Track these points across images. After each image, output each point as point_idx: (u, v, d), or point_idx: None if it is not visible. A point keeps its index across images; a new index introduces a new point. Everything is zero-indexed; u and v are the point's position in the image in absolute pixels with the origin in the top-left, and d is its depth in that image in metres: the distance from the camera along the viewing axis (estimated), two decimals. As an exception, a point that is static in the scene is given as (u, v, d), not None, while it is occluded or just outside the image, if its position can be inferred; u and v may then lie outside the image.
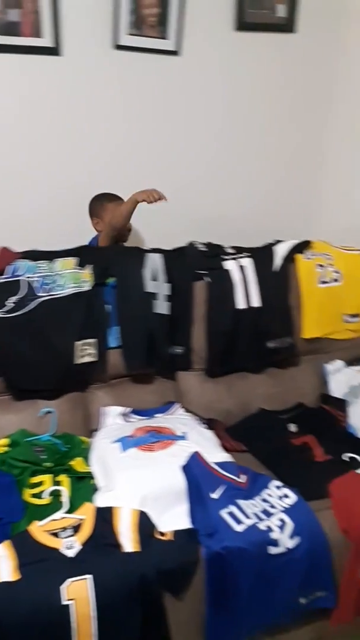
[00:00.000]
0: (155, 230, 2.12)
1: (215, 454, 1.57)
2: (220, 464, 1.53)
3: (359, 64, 2.32)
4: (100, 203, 1.97)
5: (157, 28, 2.06)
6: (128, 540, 1.30)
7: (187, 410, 1.82)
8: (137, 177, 2.19)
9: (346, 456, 1.69)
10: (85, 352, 1.73)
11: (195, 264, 1.89)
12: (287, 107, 2.33)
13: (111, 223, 1.87)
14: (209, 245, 1.97)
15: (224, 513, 1.40)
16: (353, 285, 2.02)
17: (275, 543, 1.36)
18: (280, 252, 1.96)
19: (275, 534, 1.37)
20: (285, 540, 1.37)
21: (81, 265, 1.79)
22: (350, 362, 2.06)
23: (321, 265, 1.98)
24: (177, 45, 2.11)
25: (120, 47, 2.03)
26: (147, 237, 2.00)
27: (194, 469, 1.47)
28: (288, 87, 2.31)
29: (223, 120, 2.26)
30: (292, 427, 1.86)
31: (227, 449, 1.71)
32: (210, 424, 1.79)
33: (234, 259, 1.90)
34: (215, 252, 1.93)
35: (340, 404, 1.92)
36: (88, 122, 2.09)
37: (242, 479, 1.52)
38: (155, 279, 1.79)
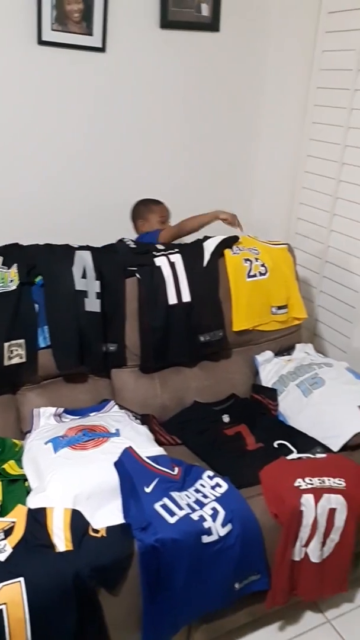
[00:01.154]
0: (85, 228, 2.12)
1: (148, 448, 1.58)
2: (153, 458, 1.55)
3: (281, 62, 2.39)
4: (147, 207, 2.18)
5: (82, 24, 2.04)
6: (61, 540, 1.30)
7: (122, 407, 1.83)
8: (63, 175, 2.18)
9: (276, 443, 1.75)
10: (14, 353, 1.70)
11: (126, 260, 1.89)
12: (214, 104, 2.38)
13: (185, 226, 2.05)
14: (138, 242, 1.98)
15: (157, 506, 1.42)
16: (279, 278, 2.08)
17: (208, 532, 1.40)
18: (209, 248, 1.99)
19: (207, 523, 1.40)
20: (217, 528, 1.41)
21: (6, 264, 1.75)
22: (279, 352, 2.14)
23: (248, 260, 2.03)
24: (103, 41, 2.10)
25: (44, 43, 2.00)
26: (76, 235, 1.98)
27: (127, 464, 1.48)
28: (214, 85, 2.35)
29: (149, 117, 2.28)
30: (225, 418, 1.90)
31: (161, 443, 1.73)
32: (145, 419, 1.81)
33: (164, 255, 1.92)
34: (145, 249, 1.94)
35: (271, 393, 1.98)
36: (13, 119, 2.04)
37: (175, 471, 1.55)
38: (84, 277, 1.78)
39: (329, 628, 1.71)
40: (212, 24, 2.29)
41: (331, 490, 1.53)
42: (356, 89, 2.12)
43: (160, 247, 1.96)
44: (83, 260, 1.79)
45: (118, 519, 1.39)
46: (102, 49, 2.11)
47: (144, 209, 2.19)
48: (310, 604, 1.75)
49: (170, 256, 1.92)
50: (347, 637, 1.67)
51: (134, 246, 1.96)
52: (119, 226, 2.17)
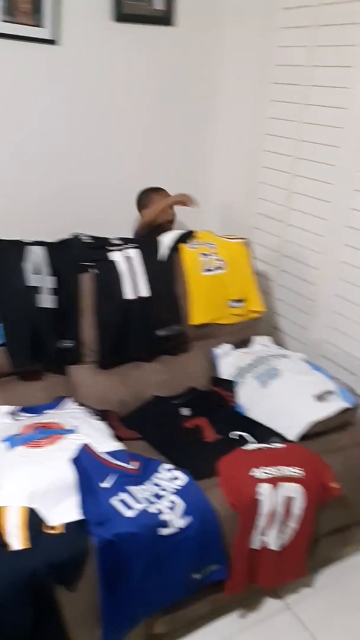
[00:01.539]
0: (38, 223, 2.10)
1: (105, 444, 1.58)
2: (110, 453, 1.54)
3: (236, 57, 2.41)
4: (147, 195, 2.17)
5: (32, 16, 2.01)
6: (16, 538, 1.28)
7: (80, 404, 1.81)
8: (10, 170, 2.14)
9: (234, 434, 1.77)
10: (-34, 351, 1.66)
11: (80, 255, 1.87)
12: (171, 97, 2.38)
13: (144, 216, 2.06)
14: (93, 237, 1.96)
15: (114, 501, 1.41)
16: (236, 272, 2.10)
17: (166, 524, 1.40)
18: (165, 242, 1.99)
19: (165, 516, 1.41)
20: (176, 520, 1.42)
21: None
22: (237, 345, 2.15)
23: (205, 254, 2.04)
24: (55, 34, 2.07)
25: (-9, 34, 1.96)
26: (31, 229, 1.95)
27: (84, 460, 1.47)
28: (168, 79, 2.35)
29: (106, 109, 2.26)
30: (185, 411, 1.91)
31: (121, 439, 1.73)
32: (104, 415, 1.80)
33: (120, 250, 1.91)
34: (100, 244, 1.92)
35: (229, 385, 2.00)
36: None
37: (133, 465, 1.55)
38: (38, 273, 1.75)
39: (289, 613, 1.74)
40: (166, 18, 2.29)
41: (288, 479, 1.56)
42: (311, 85, 2.16)
43: (116, 242, 1.95)
44: (36, 256, 1.77)
45: (75, 515, 1.38)
46: (54, 42, 2.08)
47: (144, 198, 2.19)
48: (270, 591, 1.78)
49: (127, 251, 1.91)
50: (306, 622, 1.71)
51: (89, 241, 1.94)
52: (76, 219, 2.15)
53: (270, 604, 1.77)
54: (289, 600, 1.78)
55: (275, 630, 1.68)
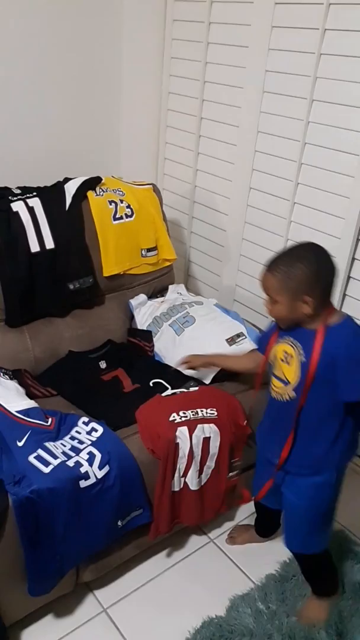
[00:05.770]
0: None
1: (18, 402, 1.53)
2: (24, 412, 1.51)
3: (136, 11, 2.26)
4: None
5: None
6: None
7: (-9, 365, 1.74)
8: None
9: (152, 382, 1.78)
10: None
11: (-22, 207, 1.75)
12: (72, 52, 2.17)
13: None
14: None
15: (31, 458, 1.39)
16: (146, 219, 2.05)
17: (85, 476, 1.40)
18: (70, 190, 1.89)
19: (84, 468, 1.41)
20: (95, 471, 1.42)
21: None
22: (152, 295, 2.14)
23: (113, 202, 1.97)
24: None
25: None
26: None
27: (-4, 420, 1.42)
28: (79, 22, 2.15)
29: (14, 54, 2.04)
30: (102, 364, 1.89)
31: (35, 396, 1.69)
32: (15, 374, 1.74)
33: (21, 199, 1.80)
34: (0, 194, 1.80)
35: (146, 335, 1.99)
36: None
37: (49, 422, 1.52)
38: None
39: (213, 547, 1.82)
40: None
41: (204, 420, 1.60)
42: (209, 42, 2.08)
43: (16, 191, 1.82)
44: None
45: (-10, 476, 1.35)
46: None
47: None
48: (194, 528, 1.85)
49: (28, 200, 1.80)
50: (230, 554, 1.80)
51: (-14, 191, 1.82)
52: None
53: (195, 540, 1.84)
54: (212, 535, 1.86)
55: (200, 563, 1.76)
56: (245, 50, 2.00)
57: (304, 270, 1.25)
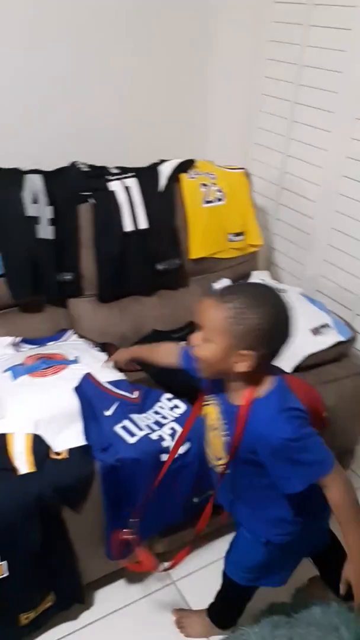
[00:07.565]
0: (32, 150, 2.00)
1: (108, 374, 1.60)
2: (113, 383, 1.57)
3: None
4: None
5: None
6: (23, 463, 1.32)
7: (81, 337, 1.82)
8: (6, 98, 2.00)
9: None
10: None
11: (78, 185, 1.81)
12: (164, 35, 2.18)
13: None
14: (92, 166, 1.89)
15: (117, 428, 1.45)
16: (236, 204, 2.05)
17: (167, 450, 1.44)
18: (164, 172, 1.93)
19: (166, 443, 1.45)
20: (176, 447, 1.46)
21: None
22: (236, 280, 2.15)
23: (205, 185, 1.99)
24: None
25: None
26: (23, 158, 1.86)
27: (86, 389, 1.49)
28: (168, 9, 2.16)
29: (97, 50, 2.08)
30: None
31: (121, 370, 1.75)
32: (104, 347, 1.81)
33: (118, 179, 1.85)
34: (98, 173, 1.86)
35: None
36: None
37: (135, 394, 1.58)
38: (36, 202, 1.70)
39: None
40: None
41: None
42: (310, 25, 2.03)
43: (114, 170, 1.88)
44: (33, 185, 1.71)
45: (79, 441, 1.42)
46: None
47: None
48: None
49: (125, 180, 1.85)
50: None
51: (86, 169, 1.88)
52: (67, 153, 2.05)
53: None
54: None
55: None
56: (348, 33, 1.93)
57: (262, 318, 1.02)
